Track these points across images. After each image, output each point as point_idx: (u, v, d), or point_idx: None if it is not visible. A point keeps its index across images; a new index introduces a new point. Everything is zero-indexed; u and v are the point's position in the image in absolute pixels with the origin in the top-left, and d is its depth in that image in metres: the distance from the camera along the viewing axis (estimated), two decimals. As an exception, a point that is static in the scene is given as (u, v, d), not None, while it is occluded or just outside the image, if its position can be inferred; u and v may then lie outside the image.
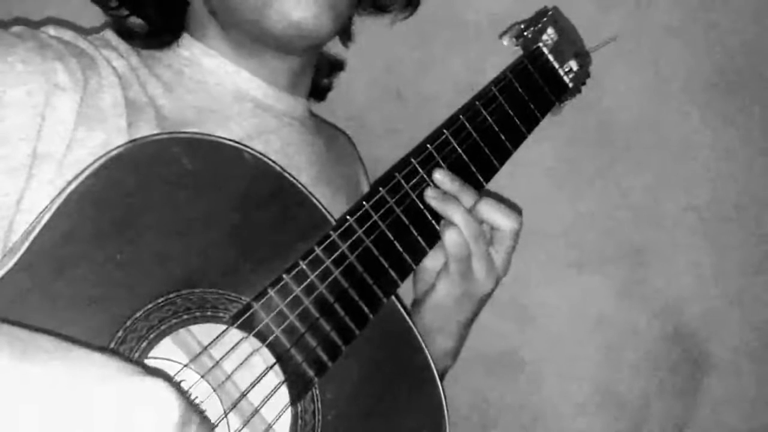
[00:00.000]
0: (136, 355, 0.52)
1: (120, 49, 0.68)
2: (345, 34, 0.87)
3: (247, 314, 0.56)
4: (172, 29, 0.74)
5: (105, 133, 0.60)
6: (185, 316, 0.54)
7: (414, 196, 0.67)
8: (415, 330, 0.66)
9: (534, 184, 1.06)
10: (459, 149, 0.71)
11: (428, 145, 0.69)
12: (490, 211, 0.69)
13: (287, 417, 0.58)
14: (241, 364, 0.56)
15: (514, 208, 0.71)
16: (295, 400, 0.58)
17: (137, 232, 0.53)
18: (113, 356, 0.42)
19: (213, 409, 0.55)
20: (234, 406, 0.55)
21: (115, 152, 0.53)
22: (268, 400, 0.57)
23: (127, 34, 0.71)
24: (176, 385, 0.51)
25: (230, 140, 0.59)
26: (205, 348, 0.55)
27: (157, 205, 0.54)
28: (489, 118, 0.73)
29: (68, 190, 0.51)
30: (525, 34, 0.79)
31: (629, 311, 1.08)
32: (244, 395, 0.56)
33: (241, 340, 0.56)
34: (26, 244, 0.49)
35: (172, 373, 0.53)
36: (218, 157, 0.58)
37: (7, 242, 0.56)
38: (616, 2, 1.03)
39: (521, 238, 0.71)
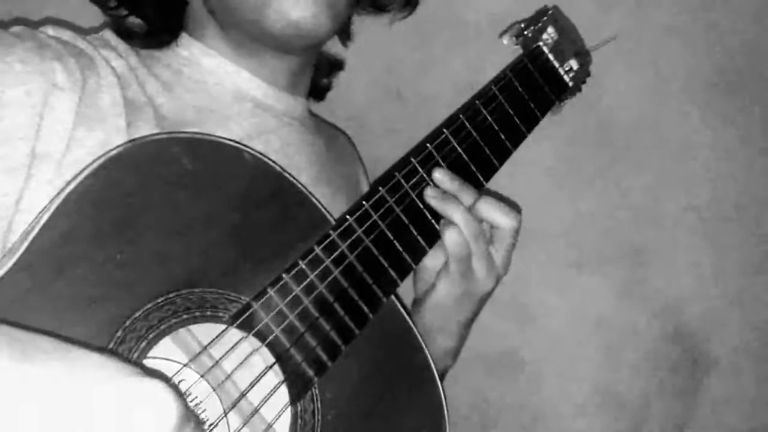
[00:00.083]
0: (136, 355, 0.52)
1: (119, 49, 0.68)
2: (344, 33, 0.87)
3: (247, 314, 0.56)
4: (170, 29, 0.74)
5: (104, 132, 0.60)
6: (185, 316, 0.54)
7: (414, 196, 0.67)
8: (415, 330, 0.65)
9: (534, 183, 1.06)
10: (459, 148, 0.70)
11: (428, 145, 0.69)
12: (489, 209, 0.69)
13: (287, 416, 0.58)
14: (241, 363, 0.56)
15: (513, 207, 0.71)
16: (294, 399, 0.58)
17: (137, 232, 0.53)
18: (112, 357, 0.42)
19: (213, 408, 0.55)
20: (233, 405, 0.55)
21: (114, 152, 0.53)
22: (268, 399, 0.57)
23: (125, 34, 0.71)
24: (174, 386, 0.51)
25: (230, 140, 0.59)
26: (205, 348, 0.55)
27: (157, 204, 0.54)
28: (489, 117, 0.73)
29: (67, 190, 0.51)
30: (525, 33, 0.79)
31: (629, 311, 1.08)
32: (243, 395, 0.56)
33: (241, 339, 0.56)
34: (25, 244, 0.49)
35: (171, 373, 0.53)
36: (218, 157, 0.58)
37: (6, 242, 0.55)
38: (616, 2, 1.03)
39: (521, 238, 0.71)
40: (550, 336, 1.09)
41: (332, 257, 0.61)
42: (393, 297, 0.65)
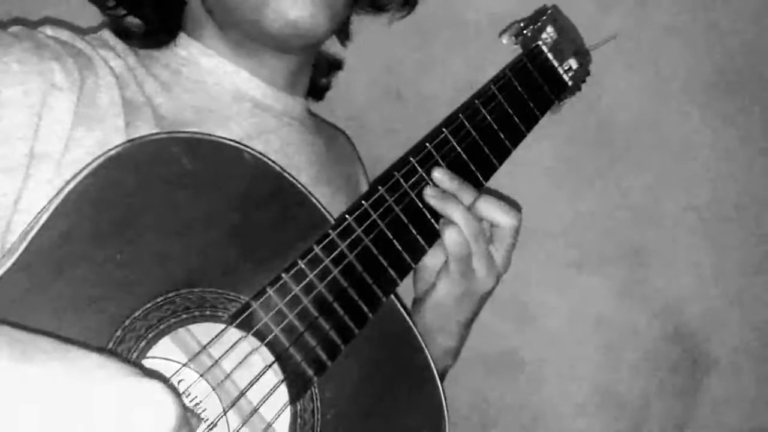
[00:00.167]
0: (135, 354, 0.52)
1: (117, 49, 0.68)
2: (343, 33, 0.87)
3: (246, 313, 0.56)
4: (169, 28, 0.74)
5: (103, 132, 0.60)
6: (184, 316, 0.54)
7: (413, 195, 0.67)
8: (414, 329, 0.65)
9: (534, 183, 1.05)
10: (458, 148, 0.70)
11: (427, 144, 0.69)
12: (489, 208, 0.69)
13: (286, 416, 0.58)
14: (240, 363, 0.56)
15: (513, 205, 0.70)
16: (294, 399, 0.58)
17: (136, 232, 0.53)
18: (111, 357, 0.42)
19: (212, 408, 0.54)
20: (233, 404, 0.55)
21: (113, 152, 0.53)
22: (267, 398, 0.57)
23: (124, 34, 0.71)
24: (173, 387, 0.51)
25: (230, 140, 0.59)
26: (204, 347, 0.55)
27: (156, 204, 0.54)
28: (488, 116, 0.73)
29: (66, 190, 0.51)
30: (524, 32, 0.79)
31: (629, 311, 1.08)
32: (242, 394, 0.56)
33: (240, 339, 0.56)
34: (24, 244, 0.49)
35: (171, 373, 0.53)
36: (218, 156, 0.58)
37: (5, 242, 0.55)
38: (616, 2, 1.03)
39: (521, 237, 0.71)
40: (550, 336, 1.09)
41: (331, 257, 0.61)
42: (393, 296, 0.65)
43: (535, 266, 1.06)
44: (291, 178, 0.61)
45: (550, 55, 0.80)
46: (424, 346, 0.65)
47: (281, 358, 0.58)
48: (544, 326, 1.09)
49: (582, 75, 0.85)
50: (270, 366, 0.57)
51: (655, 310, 1.08)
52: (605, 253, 1.08)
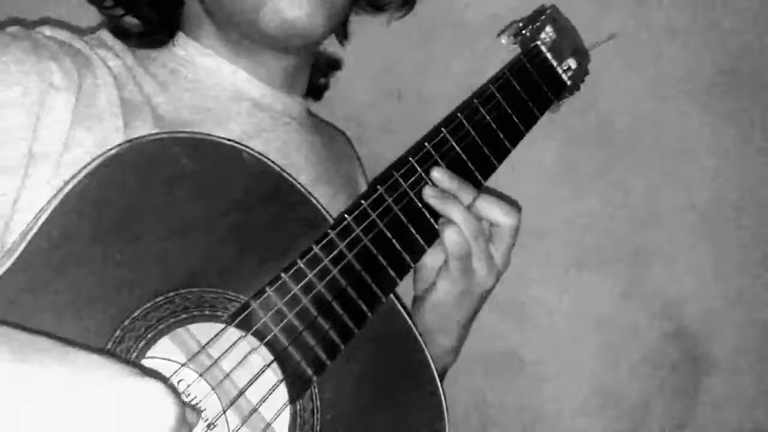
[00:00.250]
0: (134, 354, 0.52)
1: (115, 49, 0.68)
2: (342, 32, 0.87)
3: (246, 313, 0.56)
4: (167, 28, 0.74)
5: (102, 132, 0.59)
6: (183, 315, 0.54)
7: (412, 195, 0.67)
8: (414, 329, 0.65)
9: (534, 183, 1.05)
10: (457, 147, 0.70)
11: (426, 144, 0.69)
12: (488, 207, 0.69)
13: (286, 415, 0.58)
14: (240, 362, 0.56)
15: (513, 205, 0.70)
16: (293, 398, 0.58)
17: (136, 232, 0.53)
18: (110, 357, 0.42)
19: (211, 407, 0.54)
20: (232, 404, 0.55)
21: (113, 151, 0.53)
22: (267, 398, 0.57)
23: (122, 34, 0.71)
24: (173, 387, 0.51)
25: (230, 140, 0.59)
26: (204, 347, 0.55)
27: (156, 204, 0.54)
28: (487, 116, 0.73)
29: (66, 190, 0.51)
30: (523, 32, 0.79)
31: (629, 311, 1.08)
32: (242, 393, 0.56)
33: (240, 338, 0.56)
34: (24, 244, 0.49)
35: (170, 372, 0.53)
36: (218, 156, 0.58)
37: (4, 242, 0.55)
38: (616, 1, 1.03)
39: (521, 237, 0.71)
40: (550, 336, 1.09)
41: (331, 256, 0.61)
42: (392, 296, 0.65)
43: (536, 266, 1.06)
44: (290, 178, 0.61)
45: (548, 55, 0.80)
46: (423, 345, 0.65)
47: (280, 357, 0.58)
48: (544, 326, 1.09)
49: (581, 74, 0.85)
50: (269, 365, 0.57)
51: (655, 310, 1.08)
52: (605, 253, 1.08)
